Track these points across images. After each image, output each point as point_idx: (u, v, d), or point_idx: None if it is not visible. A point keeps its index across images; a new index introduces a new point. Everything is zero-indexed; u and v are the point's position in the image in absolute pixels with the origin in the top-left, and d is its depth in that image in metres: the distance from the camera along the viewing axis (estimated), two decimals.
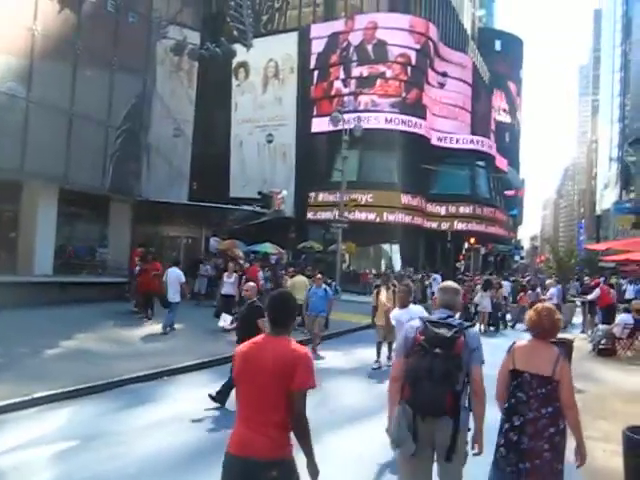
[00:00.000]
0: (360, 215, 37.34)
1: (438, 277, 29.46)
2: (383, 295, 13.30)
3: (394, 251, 43.21)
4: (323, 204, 40.47)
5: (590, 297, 20.66)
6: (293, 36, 43.35)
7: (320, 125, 41.48)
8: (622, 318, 16.18)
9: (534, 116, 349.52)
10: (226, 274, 18.08)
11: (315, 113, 42.79)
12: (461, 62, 48.44)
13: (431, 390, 4.21)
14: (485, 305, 20.92)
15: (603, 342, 15.82)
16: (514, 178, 69.95)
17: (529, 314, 5.01)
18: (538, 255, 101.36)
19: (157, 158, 23.83)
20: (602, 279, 23.95)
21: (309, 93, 43.25)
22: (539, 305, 5.14)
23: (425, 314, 8.49)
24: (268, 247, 31.09)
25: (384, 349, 13.21)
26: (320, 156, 41.96)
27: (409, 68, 42.45)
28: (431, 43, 43.85)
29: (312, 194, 41.18)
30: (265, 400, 3.62)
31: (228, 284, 17.53)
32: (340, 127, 29.35)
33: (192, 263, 23.07)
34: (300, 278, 18.73)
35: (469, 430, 4.45)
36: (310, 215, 41.12)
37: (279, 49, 42.16)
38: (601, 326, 17.07)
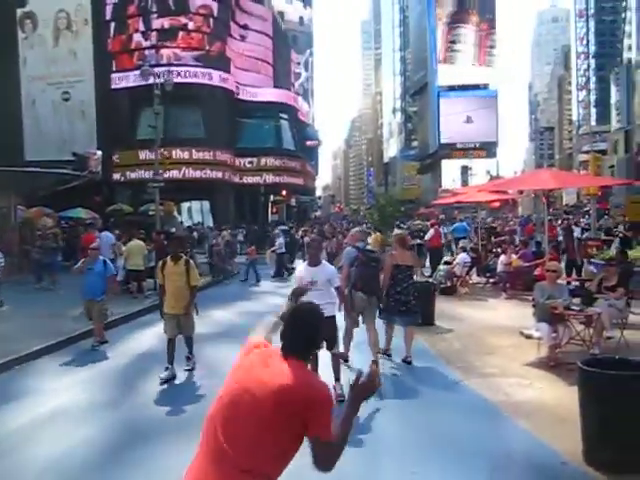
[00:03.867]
0: (170, 173, 36.00)
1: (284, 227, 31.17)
2: (170, 269, 9.01)
3: (205, 208, 42.70)
4: (129, 164, 38.61)
5: (426, 237, 21.59)
6: None
7: (121, 80, 39.31)
8: (462, 257, 17.22)
9: (322, 70, 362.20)
10: None
11: (115, 68, 40.24)
12: (261, 14, 47.98)
13: (371, 283, 8.80)
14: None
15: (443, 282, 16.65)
16: (311, 129, 71.48)
17: (395, 237, 10.10)
18: (335, 205, 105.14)
19: None
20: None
21: (106, 46, 40.48)
22: (400, 232, 11.33)
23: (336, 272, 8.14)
24: (81, 212, 29.27)
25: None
26: (123, 113, 39.62)
27: (211, 20, 41.21)
28: None
29: (117, 154, 38.93)
30: (246, 440, 2.71)
31: None
32: (150, 81, 27.80)
33: None
34: (136, 243, 17.69)
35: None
36: (116, 176, 39.02)
37: None
38: (442, 267, 18.04)
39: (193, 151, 38.88)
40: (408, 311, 9.25)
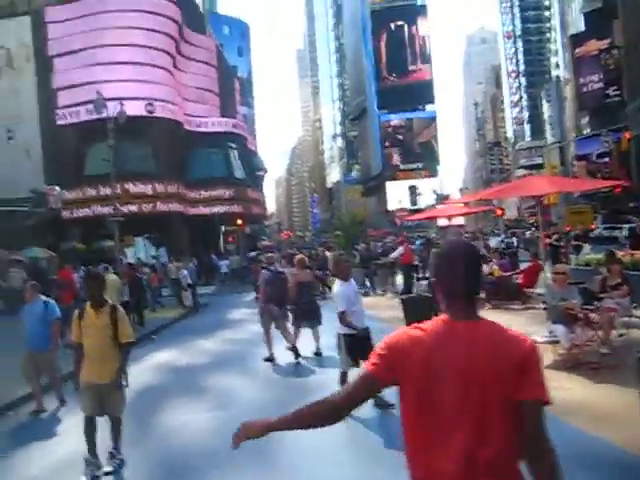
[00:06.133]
0: (123, 207, 35.25)
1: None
2: (91, 320, 6.27)
3: (156, 242, 41.87)
4: (79, 200, 37.80)
5: (394, 255, 21.44)
6: (25, 21, 39.28)
7: (67, 116, 38.61)
8: None
9: (261, 100, 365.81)
10: None
11: (60, 104, 39.51)
12: (206, 45, 48.06)
13: (281, 297, 11.54)
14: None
15: None
16: (258, 158, 71.51)
17: (296, 260, 12.39)
18: (283, 232, 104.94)
19: None
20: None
21: (50, 83, 39.73)
22: (300, 256, 13.33)
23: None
24: (37, 251, 28.26)
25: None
26: (69, 150, 38.86)
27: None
28: (177, 26, 42.75)
29: (66, 191, 37.95)
30: (483, 425, 2.10)
31: None
32: (102, 115, 27.30)
33: None
34: (111, 277, 17.12)
35: None
36: (66, 213, 37.98)
37: (10, 35, 38.00)
38: (424, 282, 17.93)
39: (143, 185, 38.33)
40: (314, 316, 11.55)
